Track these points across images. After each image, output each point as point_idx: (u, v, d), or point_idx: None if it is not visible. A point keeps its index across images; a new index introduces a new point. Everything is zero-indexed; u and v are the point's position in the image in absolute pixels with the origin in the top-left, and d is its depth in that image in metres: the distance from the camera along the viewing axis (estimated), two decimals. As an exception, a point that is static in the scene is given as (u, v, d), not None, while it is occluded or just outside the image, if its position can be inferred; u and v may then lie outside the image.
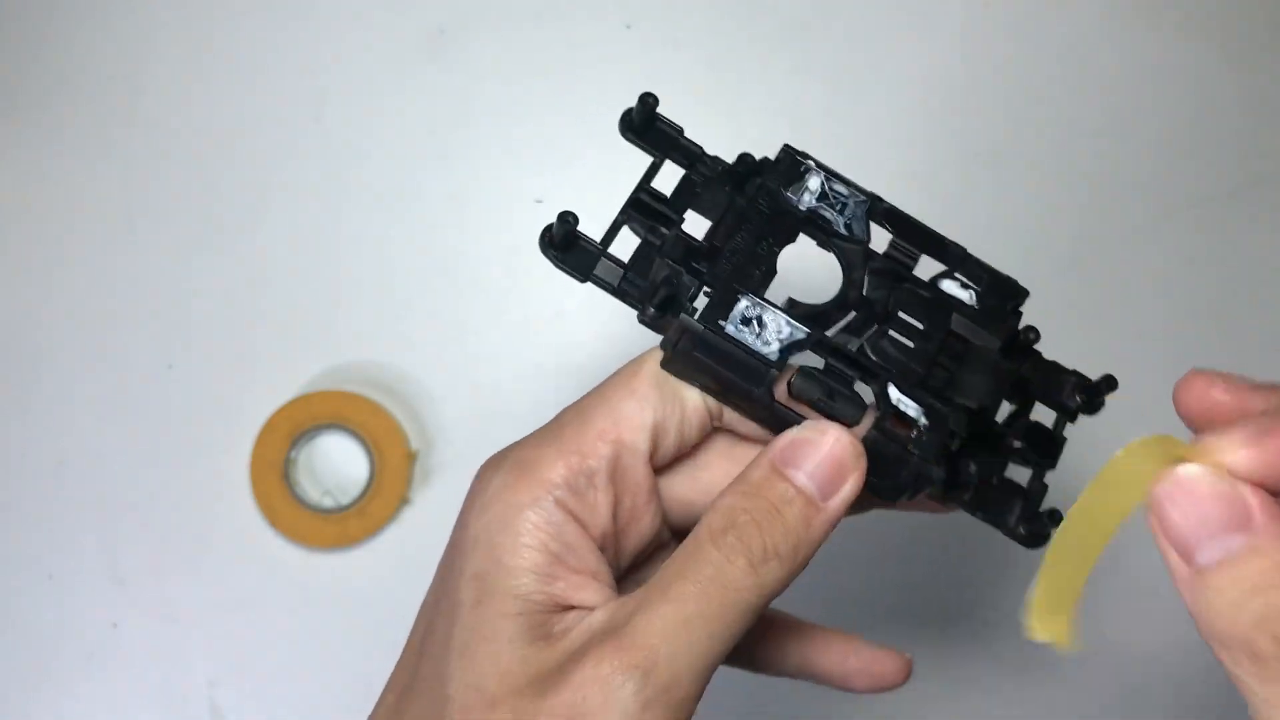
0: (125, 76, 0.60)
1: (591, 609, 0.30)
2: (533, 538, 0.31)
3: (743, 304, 0.33)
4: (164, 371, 0.59)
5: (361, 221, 0.59)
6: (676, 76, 0.59)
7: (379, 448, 0.57)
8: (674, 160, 0.36)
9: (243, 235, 0.59)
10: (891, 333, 0.34)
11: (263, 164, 0.59)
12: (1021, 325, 0.35)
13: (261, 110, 0.59)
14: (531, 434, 0.33)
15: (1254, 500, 0.25)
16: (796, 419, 0.32)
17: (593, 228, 0.59)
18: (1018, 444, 0.35)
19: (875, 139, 0.59)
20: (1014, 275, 0.38)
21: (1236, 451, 0.25)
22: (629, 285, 0.34)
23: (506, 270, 0.59)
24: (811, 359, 0.33)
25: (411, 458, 0.57)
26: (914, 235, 0.35)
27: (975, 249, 0.60)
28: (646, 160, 0.36)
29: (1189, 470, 0.25)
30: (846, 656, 0.38)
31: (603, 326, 0.58)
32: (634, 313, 0.33)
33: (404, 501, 0.57)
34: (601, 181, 0.59)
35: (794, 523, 0.30)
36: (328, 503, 0.58)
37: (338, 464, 0.58)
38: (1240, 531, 0.24)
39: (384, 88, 0.59)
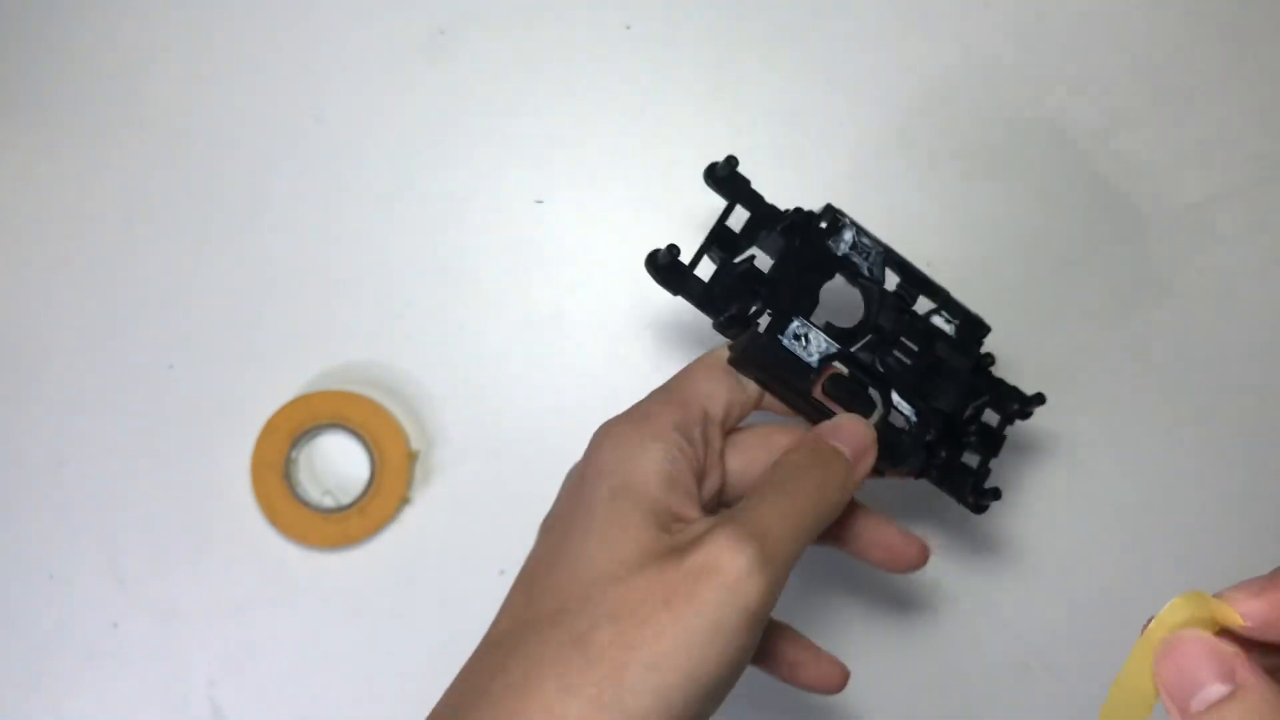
0: (126, 76, 0.60)
1: (695, 521, 0.39)
2: (656, 463, 0.40)
3: (794, 324, 0.44)
4: (164, 371, 0.59)
5: (362, 221, 0.59)
6: (676, 77, 0.59)
7: (379, 447, 0.57)
8: (744, 206, 0.46)
9: (243, 235, 0.59)
10: (896, 352, 0.45)
11: (263, 164, 0.59)
12: (985, 351, 0.48)
13: (262, 110, 0.60)
14: (637, 402, 0.42)
15: (1237, 656, 0.30)
16: (828, 412, 0.43)
17: (596, 226, 0.59)
18: (973, 439, 0.47)
19: (873, 139, 0.59)
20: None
21: (1247, 603, 0.30)
22: (708, 299, 0.44)
23: (507, 270, 0.59)
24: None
25: (412, 457, 0.57)
26: (913, 279, 0.47)
27: (973, 247, 0.60)
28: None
29: (1183, 632, 0.30)
30: (881, 528, 0.45)
31: (602, 326, 0.58)
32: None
33: (404, 501, 0.58)
34: (602, 181, 0.59)
35: (839, 472, 0.41)
36: (328, 502, 0.58)
37: (338, 464, 0.58)
38: (1225, 683, 0.29)
39: (385, 88, 0.60)
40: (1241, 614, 0.30)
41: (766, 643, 0.45)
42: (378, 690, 0.58)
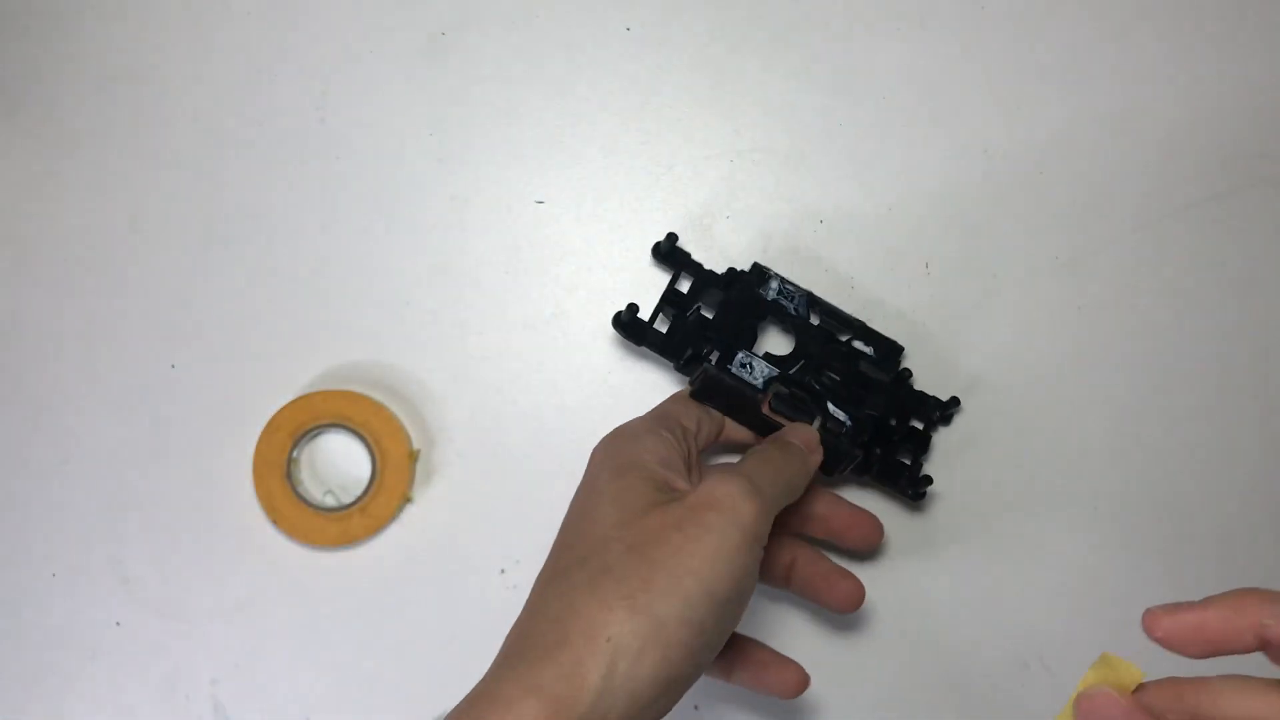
0: (128, 77, 0.60)
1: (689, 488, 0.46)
2: (650, 446, 0.47)
3: (740, 355, 0.53)
4: (167, 371, 0.59)
5: (364, 222, 0.59)
6: (675, 78, 0.60)
7: (381, 447, 0.57)
8: (687, 273, 0.56)
9: (246, 235, 0.59)
10: (826, 373, 0.54)
11: (265, 164, 0.60)
12: (904, 368, 0.56)
13: (264, 111, 0.60)
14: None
15: (1136, 707, 0.36)
16: (776, 425, 0.52)
17: (595, 227, 0.59)
18: (902, 442, 0.56)
19: (871, 140, 0.59)
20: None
21: (1161, 620, 0.36)
22: (668, 347, 0.55)
23: (507, 270, 0.59)
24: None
25: (413, 457, 0.58)
26: (834, 314, 0.56)
27: (971, 248, 0.60)
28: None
29: (1097, 687, 0.37)
30: (818, 562, 0.53)
31: (601, 327, 0.59)
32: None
33: (406, 500, 0.58)
34: (602, 182, 0.60)
35: (797, 459, 0.49)
36: (330, 501, 0.58)
37: (340, 463, 0.59)
38: None
39: (386, 89, 0.60)
40: (1151, 626, 0.36)
41: (734, 648, 0.50)
42: (379, 689, 0.58)
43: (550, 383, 0.59)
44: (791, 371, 0.54)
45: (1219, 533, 0.58)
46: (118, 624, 0.58)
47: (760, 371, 0.53)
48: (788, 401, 0.52)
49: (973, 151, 0.59)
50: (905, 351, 0.56)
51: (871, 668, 0.58)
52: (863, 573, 0.58)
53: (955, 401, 0.56)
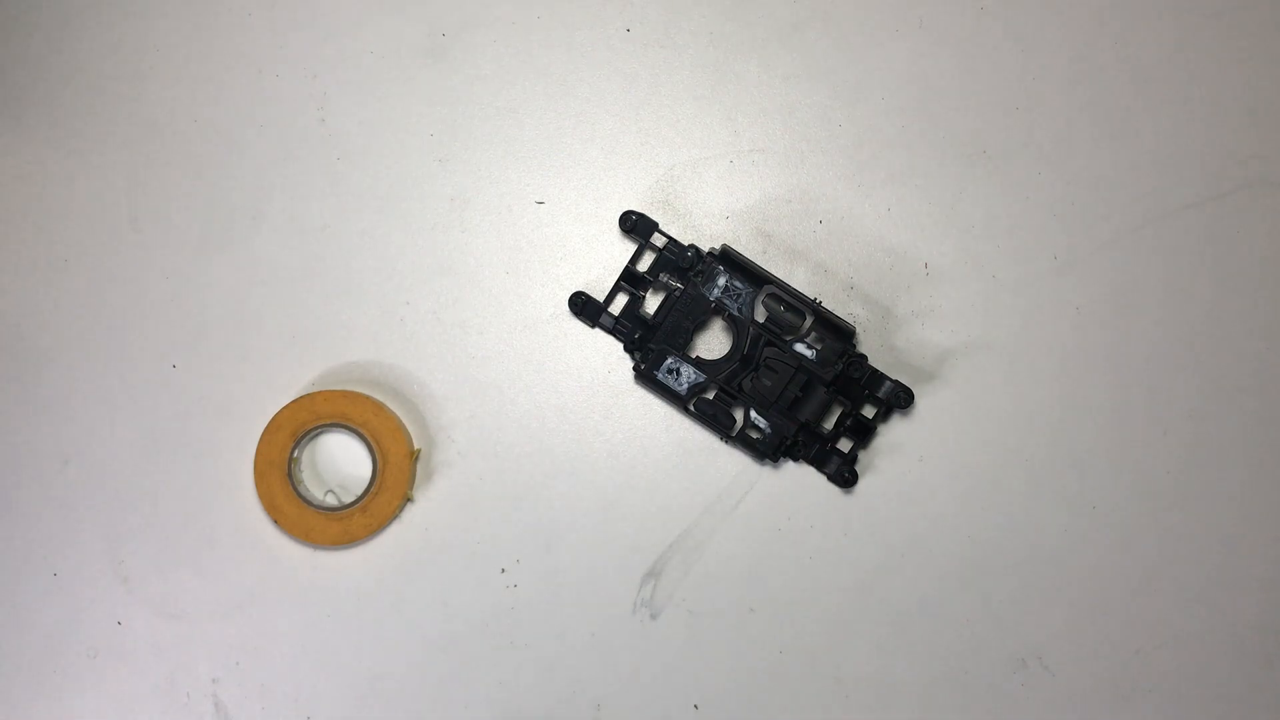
0: (129, 77, 0.60)
1: None
2: None
3: (669, 360, 0.57)
4: (168, 371, 0.59)
5: (364, 222, 0.59)
6: (675, 79, 0.60)
7: (381, 446, 0.57)
8: (649, 249, 0.58)
9: (247, 236, 0.59)
10: (760, 374, 0.56)
11: (267, 165, 0.60)
12: (858, 353, 0.56)
13: (265, 111, 0.60)
14: None
15: None
16: (705, 421, 0.57)
17: (595, 227, 0.59)
18: (848, 433, 0.57)
19: (871, 140, 0.59)
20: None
21: None
22: (618, 330, 0.58)
23: (507, 270, 0.59)
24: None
25: (414, 456, 0.58)
26: (789, 300, 0.56)
27: (969, 249, 0.60)
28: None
29: None
30: None
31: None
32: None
33: (407, 500, 0.58)
34: (601, 183, 0.60)
35: None
36: (331, 501, 0.58)
37: (341, 463, 0.59)
38: None
39: (387, 90, 0.60)
40: None
41: None
42: (379, 688, 0.58)
43: (550, 383, 0.59)
44: (723, 375, 0.56)
45: (1218, 532, 0.58)
46: (119, 623, 0.58)
47: (686, 378, 0.56)
48: (707, 408, 0.56)
49: (972, 153, 0.59)
50: (857, 335, 0.57)
51: (871, 668, 0.58)
52: (861, 572, 0.58)
53: (909, 394, 0.56)
